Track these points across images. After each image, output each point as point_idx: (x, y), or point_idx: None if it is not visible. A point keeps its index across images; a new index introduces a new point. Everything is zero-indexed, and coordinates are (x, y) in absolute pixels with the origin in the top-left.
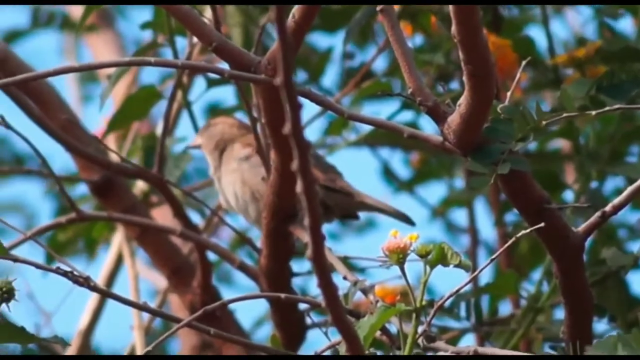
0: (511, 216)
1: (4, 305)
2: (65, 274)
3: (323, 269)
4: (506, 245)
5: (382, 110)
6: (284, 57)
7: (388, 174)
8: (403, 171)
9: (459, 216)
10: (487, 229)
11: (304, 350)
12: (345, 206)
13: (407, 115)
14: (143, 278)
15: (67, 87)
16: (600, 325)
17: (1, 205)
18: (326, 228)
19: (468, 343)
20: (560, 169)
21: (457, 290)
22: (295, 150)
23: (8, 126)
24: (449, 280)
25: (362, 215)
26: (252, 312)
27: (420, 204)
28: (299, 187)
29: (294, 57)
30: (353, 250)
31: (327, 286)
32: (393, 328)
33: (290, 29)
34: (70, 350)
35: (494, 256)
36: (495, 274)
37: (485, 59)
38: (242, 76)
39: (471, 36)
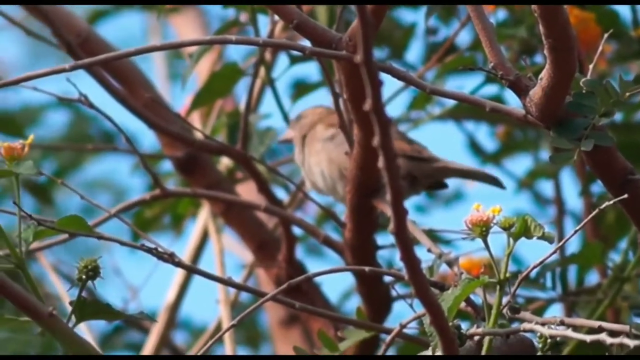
0: (597, 186)
1: (90, 282)
2: (149, 250)
3: (405, 243)
4: (590, 216)
5: (466, 84)
6: (364, 33)
7: (474, 147)
8: (489, 144)
9: (546, 187)
10: (574, 200)
11: (389, 322)
12: (433, 174)
13: (491, 89)
14: (231, 252)
15: (154, 66)
16: None
17: (91, 182)
18: (413, 200)
19: (555, 314)
20: None
21: (542, 261)
22: (377, 126)
23: (92, 105)
24: (535, 252)
25: (450, 187)
26: (339, 286)
27: (507, 175)
28: (380, 162)
29: (374, 34)
30: (441, 223)
31: (410, 259)
32: (478, 300)
33: (370, 5)
34: (157, 325)
35: (578, 227)
36: (581, 245)
37: (566, 32)
38: (323, 53)
39: (551, 10)
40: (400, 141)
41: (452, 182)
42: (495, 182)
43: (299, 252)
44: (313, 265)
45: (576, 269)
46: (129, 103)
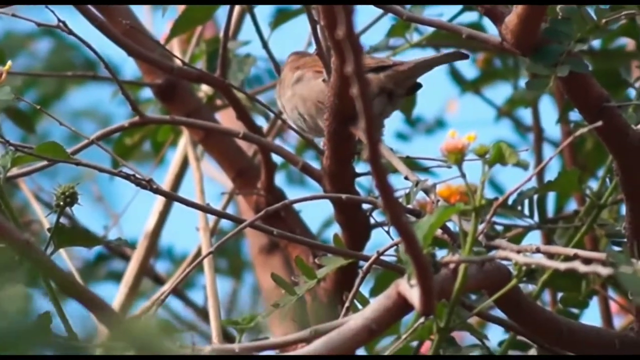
0: (576, 114)
1: (70, 210)
2: (127, 177)
3: (379, 170)
4: (565, 142)
5: (446, 12)
6: None
7: (454, 74)
8: (469, 72)
9: (526, 115)
10: (553, 127)
11: (368, 250)
12: (403, 79)
13: (470, 17)
14: (212, 180)
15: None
16: None
17: (75, 112)
18: (394, 129)
19: (533, 241)
20: (626, 67)
21: (517, 188)
22: (350, 52)
23: (70, 32)
24: (516, 180)
25: (431, 114)
26: (320, 214)
27: (487, 104)
28: (353, 89)
29: None
30: (422, 151)
31: (384, 187)
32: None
33: None
34: (137, 253)
35: (553, 154)
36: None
37: None
38: None
39: None
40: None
41: (433, 110)
42: (459, 56)
43: (281, 181)
44: (294, 194)
45: (555, 197)
46: (108, 30)
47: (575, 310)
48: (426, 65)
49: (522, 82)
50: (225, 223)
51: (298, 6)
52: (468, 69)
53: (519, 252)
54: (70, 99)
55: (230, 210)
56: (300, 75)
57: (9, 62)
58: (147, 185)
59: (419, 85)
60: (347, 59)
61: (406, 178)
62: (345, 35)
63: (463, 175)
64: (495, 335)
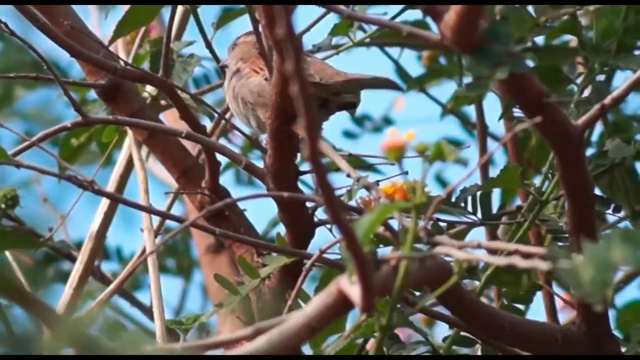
0: (519, 111)
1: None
2: (69, 178)
3: (319, 167)
4: (507, 137)
5: (390, 10)
6: None
7: (400, 72)
8: (415, 70)
9: (473, 111)
10: (498, 124)
11: (311, 248)
12: (339, 91)
13: (415, 14)
14: (160, 180)
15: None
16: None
17: (26, 114)
18: (342, 127)
19: (478, 238)
20: (571, 63)
21: (458, 184)
22: (290, 52)
23: (12, 33)
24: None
25: (378, 113)
26: (268, 213)
27: (433, 102)
28: (293, 88)
29: None
30: (370, 149)
31: (324, 184)
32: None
33: None
34: (83, 253)
35: (495, 148)
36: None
37: None
38: None
39: None
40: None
41: (381, 108)
42: (393, 85)
43: (229, 182)
44: (242, 194)
45: (500, 193)
46: (49, 31)
47: (520, 307)
48: (359, 84)
49: (467, 80)
50: (172, 223)
51: (241, 6)
52: (414, 66)
53: (459, 248)
54: (22, 102)
55: (178, 210)
56: (239, 68)
57: None
58: (89, 186)
59: (355, 105)
60: (287, 58)
61: (348, 175)
62: (285, 34)
63: (405, 173)
64: (442, 332)
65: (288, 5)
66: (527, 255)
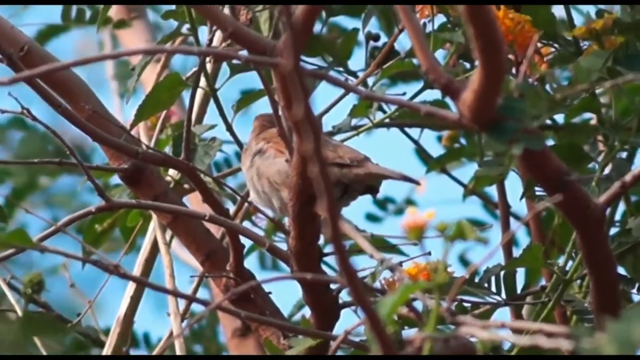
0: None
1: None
2: (94, 262)
3: (341, 249)
4: (528, 216)
5: (410, 90)
6: (291, 41)
7: (419, 153)
8: (436, 151)
9: (495, 191)
10: (520, 203)
11: (338, 329)
12: (359, 180)
13: (433, 94)
14: (186, 263)
15: (109, 85)
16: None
17: (50, 201)
18: (365, 210)
19: (503, 318)
20: (593, 141)
21: (480, 263)
22: (308, 132)
23: (34, 118)
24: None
25: (400, 195)
26: (294, 296)
27: (454, 182)
28: (313, 169)
29: (304, 41)
30: (394, 231)
31: (346, 265)
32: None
33: (300, 9)
34: (112, 337)
35: (516, 227)
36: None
37: (493, 32)
38: (257, 60)
39: (477, 9)
40: (325, 149)
41: (403, 190)
42: (410, 180)
43: (254, 266)
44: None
45: (524, 273)
46: (71, 116)
47: None
48: (378, 176)
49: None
50: (198, 308)
51: (260, 87)
52: (434, 146)
53: (483, 328)
54: (47, 190)
55: (203, 294)
56: (262, 149)
57: None
58: (115, 270)
59: (376, 190)
60: (305, 138)
61: (371, 256)
62: (304, 115)
63: (427, 253)
64: None
65: (305, 86)
66: (550, 335)
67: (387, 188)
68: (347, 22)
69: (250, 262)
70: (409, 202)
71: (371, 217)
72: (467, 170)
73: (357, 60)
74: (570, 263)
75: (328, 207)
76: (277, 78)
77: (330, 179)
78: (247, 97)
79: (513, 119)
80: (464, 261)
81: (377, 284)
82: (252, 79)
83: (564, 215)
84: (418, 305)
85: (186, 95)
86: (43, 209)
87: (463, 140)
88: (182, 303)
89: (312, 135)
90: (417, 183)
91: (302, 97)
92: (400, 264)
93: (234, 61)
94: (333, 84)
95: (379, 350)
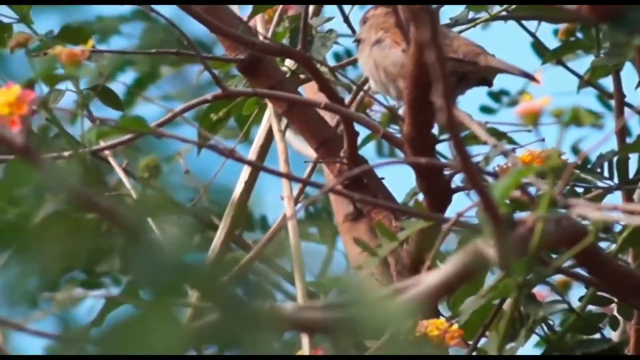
0: None
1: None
2: (210, 147)
3: (455, 133)
4: None
5: None
6: None
7: (536, 46)
8: (552, 44)
9: (610, 84)
10: (635, 94)
11: (449, 212)
12: (477, 72)
13: None
14: (298, 154)
15: None
16: None
17: (170, 95)
18: (480, 102)
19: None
20: None
21: (592, 148)
22: (425, 21)
23: (152, 9)
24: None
25: (515, 87)
26: (406, 184)
27: (571, 73)
28: (430, 56)
29: None
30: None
31: (460, 149)
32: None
33: None
34: (226, 220)
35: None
36: None
37: None
38: None
39: None
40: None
41: (517, 83)
42: (528, 76)
43: (371, 154)
44: None
45: (637, 159)
46: (189, 8)
47: None
48: (498, 70)
49: (604, 53)
50: (313, 192)
51: None
52: (551, 40)
53: (597, 209)
54: (164, 81)
55: (318, 179)
56: (380, 38)
57: (90, 41)
58: (230, 154)
59: (490, 83)
60: (422, 27)
61: (485, 143)
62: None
63: (541, 140)
64: (578, 293)
65: None
66: None
67: (501, 80)
68: None
69: (368, 151)
70: (524, 94)
71: (485, 109)
72: (583, 63)
73: None
74: None
75: (444, 94)
76: None
77: (445, 66)
78: None
79: (634, 9)
80: (576, 150)
81: (489, 169)
82: None
83: None
84: (531, 190)
85: None
86: (159, 100)
87: (579, 34)
88: (295, 188)
89: (429, 24)
90: (535, 80)
91: None
92: (514, 150)
93: None
94: None
95: (492, 228)
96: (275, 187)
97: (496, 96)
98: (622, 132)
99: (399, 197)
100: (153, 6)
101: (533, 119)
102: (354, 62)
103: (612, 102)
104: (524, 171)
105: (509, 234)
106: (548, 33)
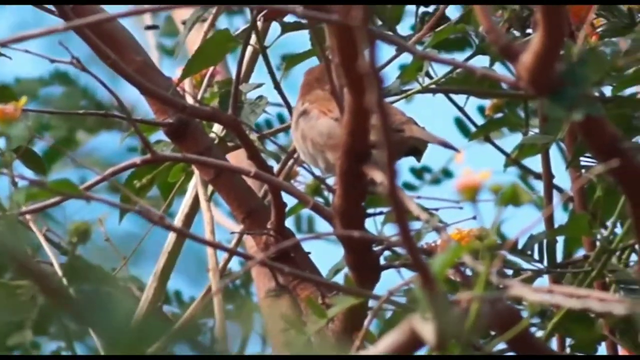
0: (585, 161)
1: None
2: (140, 212)
3: (397, 202)
4: (579, 183)
5: (458, 57)
6: None
7: (462, 122)
8: (479, 119)
9: (535, 164)
10: (561, 177)
11: (378, 290)
12: (403, 142)
13: (481, 61)
14: (222, 227)
15: (147, 41)
16: None
17: (86, 159)
18: (402, 179)
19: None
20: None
21: (528, 229)
22: (373, 84)
23: (84, 68)
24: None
25: (437, 164)
26: (329, 261)
27: (497, 151)
28: (374, 119)
29: None
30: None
31: (402, 219)
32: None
33: None
34: (147, 293)
35: (565, 194)
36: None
37: None
38: (316, 16)
39: None
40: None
41: (440, 159)
42: (450, 147)
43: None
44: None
45: (563, 242)
46: (120, 68)
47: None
48: (421, 140)
49: (532, 132)
50: (235, 264)
51: (309, 47)
52: (476, 118)
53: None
54: (81, 148)
55: None
56: (306, 110)
57: (23, 99)
58: (160, 221)
59: (420, 153)
60: (368, 89)
61: (417, 218)
62: (369, 66)
63: (474, 217)
64: None
65: (373, 39)
66: (602, 300)
67: (423, 157)
68: None
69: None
70: (446, 172)
71: (407, 186)
72: (509, 142)
73: (405, 26)
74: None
75: (388, 158)
76: (333, 35)
77: (390, 129)
78: (296, 57)
79: (574, 85)
80: (499, 234)
81: (420, 245)
82: (299, 37)
83: (617, 181)
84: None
85: (230, 56)
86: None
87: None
88: (221, 260)
89: (376, 86)
90: (456, 150)
91: (370, 50)
92: (445, 226)
93: (286, 19)
94: (390, 43)
95: (430, 309)
96: (199, 261)
97: (418, 173)
98: (550, 215)
99: (323, 272)
100: (84, 66)
101: (472, 194)
102: (279, 131)
103: (536, 182)
104: (461, 248)
105: (448, 312)
106: (472, 110)
